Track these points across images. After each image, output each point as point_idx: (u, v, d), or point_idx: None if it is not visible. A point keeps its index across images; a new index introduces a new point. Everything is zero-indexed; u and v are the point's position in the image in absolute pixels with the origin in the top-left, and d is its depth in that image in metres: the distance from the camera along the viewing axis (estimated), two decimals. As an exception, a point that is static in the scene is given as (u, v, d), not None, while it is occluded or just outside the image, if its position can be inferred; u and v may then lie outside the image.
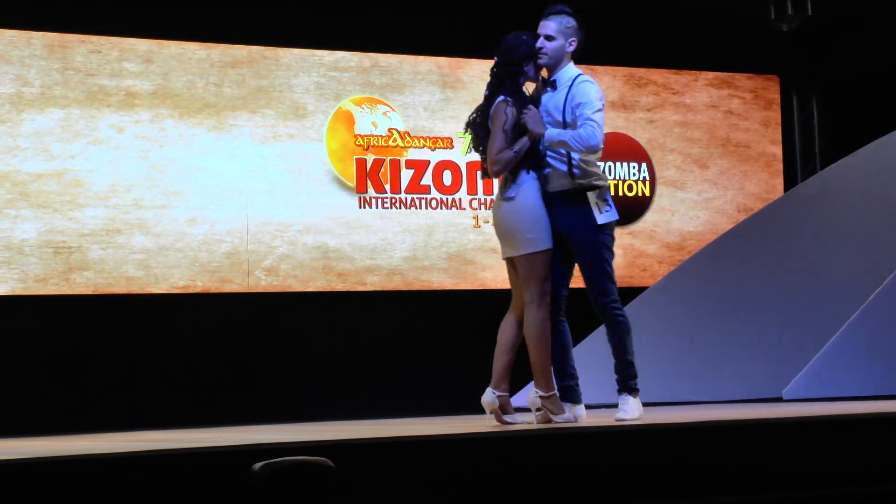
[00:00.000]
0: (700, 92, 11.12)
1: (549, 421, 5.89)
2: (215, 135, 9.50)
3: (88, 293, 9.09)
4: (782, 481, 5.11)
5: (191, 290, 9.34)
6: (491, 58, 9.38)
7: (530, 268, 5.83)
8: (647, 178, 10.85)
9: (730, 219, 10.91)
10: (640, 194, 10.82)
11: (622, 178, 10.76)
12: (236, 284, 9.47)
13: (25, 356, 8.88)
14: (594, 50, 10.19)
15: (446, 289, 9.96)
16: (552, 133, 5.86)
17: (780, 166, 11.25)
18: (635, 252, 10.75)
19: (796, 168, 11.33)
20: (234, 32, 9.62)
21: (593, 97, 5.91)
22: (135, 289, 9.20)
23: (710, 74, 11.15)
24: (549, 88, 6.00)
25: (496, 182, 6.08)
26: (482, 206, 10.20)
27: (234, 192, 9.51)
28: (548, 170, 5.92)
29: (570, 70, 6.01)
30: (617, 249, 9.99)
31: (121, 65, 9.28)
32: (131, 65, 9.31)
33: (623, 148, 10.79)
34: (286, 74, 9.75)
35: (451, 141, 9.95)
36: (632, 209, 10.77)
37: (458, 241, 10.04)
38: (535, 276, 5.83)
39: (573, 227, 5.92)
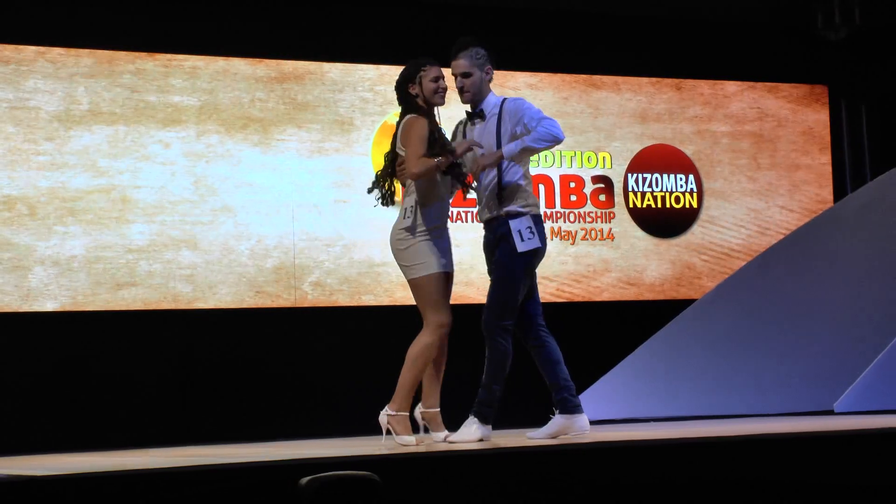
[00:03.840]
0: (747, 102, 11.05)
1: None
2: (261, 150, 9.53)
3: (136, 309, 9.12)
4: (834, 496, 5.07)
5: (238, 306, 9.36)
6: (538, 70, 9.49)
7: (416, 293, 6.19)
8: (695, 190, 10.79)
9: (778, 230, 10.86)
10: (687, 206, 10.77)
11: (669, 189, 10.71)
12: (283, 299, 9.48)
13: (73, 372, 8.91)
14: (641, 61, 10.61)
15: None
16: (511, 147, 6.07)
17: (830, 177, 11.15)
18: (683, 264, 10.70)
19: (846, 178, 11.21)
20: (280, 48, 9.62)
21: (531, 105, 6.15)
22: (182, 304, 9.23)
23: (758, 84, 11.04)
24: (476, 120, 6.20)
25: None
26: (529, 219, 10.19)
27: (280, 207, 9.53)
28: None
29: (493, 97, 6.23)
30: (665, 261, 10.55)
31: (167, 81, 9.33)
32: (177, 81, 9.36)
33: (670, 159, 10.76)
34: (331, 89, 9.77)
35: (499, 154, 9.90)
36: (679, 221, 10.76)
37: (504, 255, 9.93)
38: (421, 300, 6.18)
39: (497, 249, 6.16)
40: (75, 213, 9.03)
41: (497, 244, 6.19)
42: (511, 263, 6.14)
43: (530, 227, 6.13)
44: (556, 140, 6.07)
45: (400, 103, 6.28)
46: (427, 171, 6.03)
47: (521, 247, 6.13)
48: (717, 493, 4.93)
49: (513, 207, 6.16)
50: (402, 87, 6.24)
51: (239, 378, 9.28)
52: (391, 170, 6.24)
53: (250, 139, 9.52)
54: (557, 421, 6.15)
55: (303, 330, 9.49)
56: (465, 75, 6.21)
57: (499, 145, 6.14)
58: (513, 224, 6.14)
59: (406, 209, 6.15)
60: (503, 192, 6.17)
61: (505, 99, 6.24)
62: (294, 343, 9.46)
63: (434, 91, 6.17)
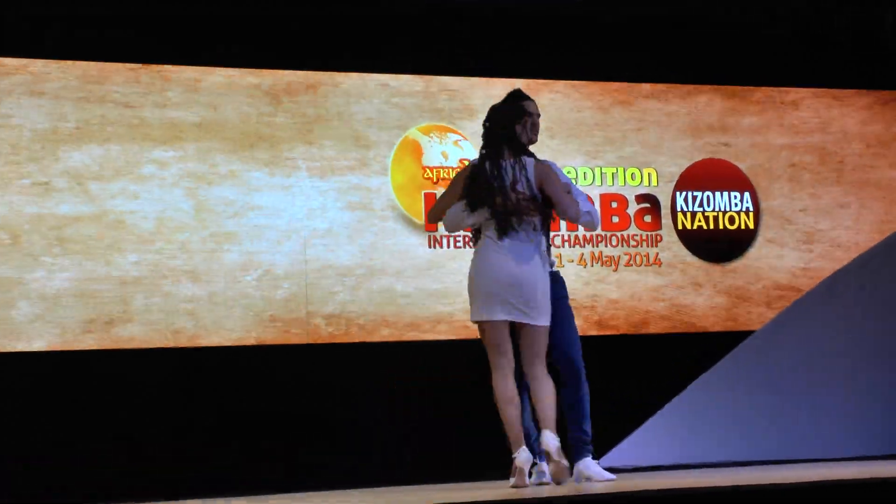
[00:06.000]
0: (809, 111, 11.04)
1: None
2: (269, 170, 9.56)
3: (132, 347, 9.10)
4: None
5: (245, 342, 9.36)
6: (575, 79, 9.95)
7: (545, 339, 6.59)
8: (751, 209, 10.79)
9: (846, 253, 10.81)
10: (742, 227, 10.76)
11: (722, 209, 10.72)
12: (295, 335, 9.48)
13: (63, 417, 8.88)
14: (690, 67, 10.65)
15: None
16: (588, 206, 6.84)
17: (902, 192, 11.12)
18: (738, 293, 10.66)
19: (920, 194, 11.16)
20: (288, 57, 9.66)
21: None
22: (183, 342, 9.23)
23: (821, 91, 11.06)
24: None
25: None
26: (565, 244, 10.21)
27: (290, 233, 9.55)
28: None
29: None
30: (717, 291, 10.60)
31: (164, 95, 9.36)
32: (175, 94, 9.39)
33: (723, 175, 10.76)
34: (346, 102, 9.80)
35: (531, 172, 9.93)
36: (734, 244, 10.75)
37: (539, 283, 9.89)
38: (546, 347, 6.59)
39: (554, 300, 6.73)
40: (63, 241, 9.05)
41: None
42: (567, 300, 6.94)
43: None
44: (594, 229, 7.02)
45: (503, 143, 6.66)
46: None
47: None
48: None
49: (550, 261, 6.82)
50: (510, 127, 6.66)
51: (247, 422, 9.23)
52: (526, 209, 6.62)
53: (257, 158, 9.54)
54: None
55: (317, 368, 9.45)
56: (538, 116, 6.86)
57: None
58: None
59: (543, 251, 6.67)
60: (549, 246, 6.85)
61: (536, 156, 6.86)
62: (308, 382, 9.40)
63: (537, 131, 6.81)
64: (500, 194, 6.53)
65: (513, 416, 6.49)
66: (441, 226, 9.56)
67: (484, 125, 6.73)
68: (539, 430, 6.48)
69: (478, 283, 6.55)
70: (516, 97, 6.78)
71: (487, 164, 6.60)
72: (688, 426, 8.79)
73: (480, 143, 6.72)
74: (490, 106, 6.80)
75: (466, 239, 9.85)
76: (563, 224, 10.18)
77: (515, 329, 6.55)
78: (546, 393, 6.49)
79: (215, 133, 9.47)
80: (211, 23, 9.48)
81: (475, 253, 6.64)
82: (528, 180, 6.56)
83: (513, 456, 6.46)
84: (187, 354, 9.25)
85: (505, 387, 6.51)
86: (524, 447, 6.46)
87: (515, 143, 6.62)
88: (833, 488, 5.53)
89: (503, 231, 6.51)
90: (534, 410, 6.62)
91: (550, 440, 6.39)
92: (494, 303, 6.51)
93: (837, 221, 10.99)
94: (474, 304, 6.57)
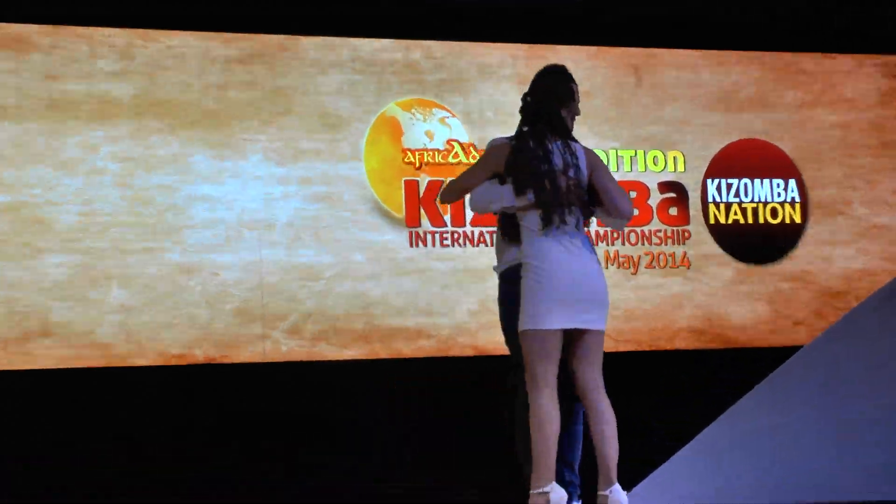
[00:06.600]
0: (865, 82, 10.80)
1: None
2: (218, 152, 9.37)
3: (51, 367, 8.91)
4: None
5: (188, 361, 9.18)
6: (588, 43, 10.23)
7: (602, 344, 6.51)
8: (798, 200, 10.58)
9: (911, 251, 10.64)
10: (787, 221, 10.54)
11: (763, 199, 10.50)
12: (248, 352, 9.29)
13: None
14: (724, 32, 9.92)
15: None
16: None
17: (977, 178, 11.01)
18: (783, 299, 10.46)
19: None
20: (242, 18, 9.52)
21: None
22: (113, 360, 9.03)
23: (878, 59, 10.89)
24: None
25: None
26: (572, 243, 9.88)
27: (244, 229, 9.37)
28: None
29: None
30: (759, 296, 10.32)
31: (93, 63, 9.18)
32: (106, 63, 9.22)
33: (764, 159, 10.55)
34: (311, 71, 9.62)
35: (531, 156, 9.64)
36: (777, 241, 10.55)
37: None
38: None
39: None
40: (-31, 240, 8.71)
41: None
42: None
43: None
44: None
45: (550, 123, 6.44)
46: None
47: None
48: None
49: None
50: (557, 106, 6.48)
51: (189, 453, 8.92)
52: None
53: (204, 139, 9.35)
54: None
55: (275, 392, 9.26)
56: None
57: None
58: None
59: (593, 245, 6.53)
60: None
61: None
62: (264, 410, 9.20)
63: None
64: (549, 179, 6.32)
65: (553, 442, 6.22)
66: (426, 221, 9.67)
67: (524, 99, 6.48)
68: (596, 479, 6.34)
69: (547, 284, 6.25)
70: (565, 75, 6.56)
71: (532, 144, 6.37)
72: (723, 462, 8.30)
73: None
74: (535, 76, 6.54)
75: (456, 237, 9.74)
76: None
77: (572, 339, 6.35)
78: (614, 431, 6.40)
79: (154, 108, 9.30)
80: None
81: (531, 249, 6.32)
82: (578, 168, 6.39)
83: (544, 490, 6.14)
84: (118, 375, 9.04)
85: (551, 405, 6.24)
86: (555, 482, 6.22)
87: (563, 126, 6.49)
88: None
89: (551, 222, 6.30)
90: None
91: (623, 498, 6.34)
92: (562, 307, 6.28)
93: (900, 215, 10.68)
94: (538, 308, 6.25)
